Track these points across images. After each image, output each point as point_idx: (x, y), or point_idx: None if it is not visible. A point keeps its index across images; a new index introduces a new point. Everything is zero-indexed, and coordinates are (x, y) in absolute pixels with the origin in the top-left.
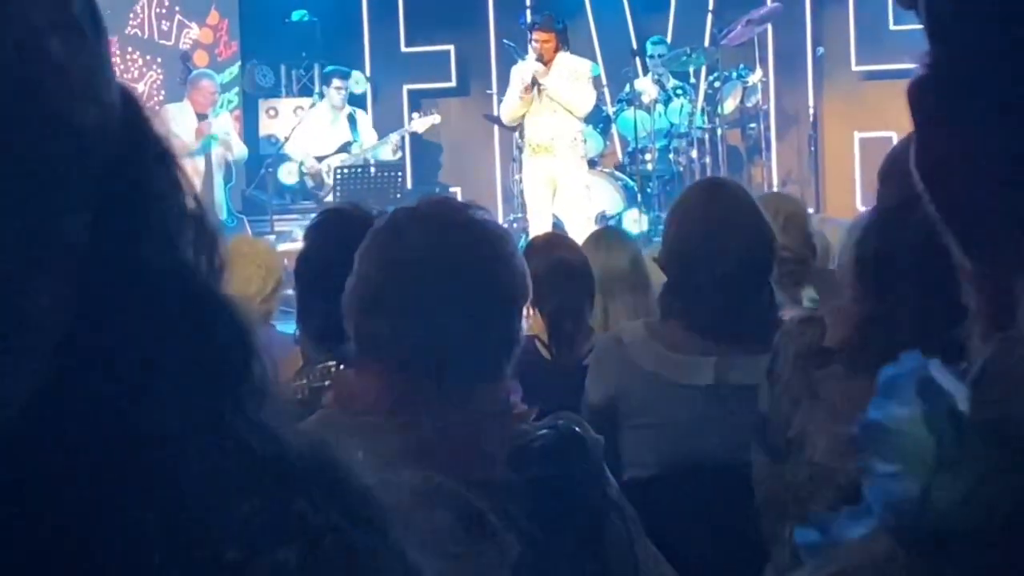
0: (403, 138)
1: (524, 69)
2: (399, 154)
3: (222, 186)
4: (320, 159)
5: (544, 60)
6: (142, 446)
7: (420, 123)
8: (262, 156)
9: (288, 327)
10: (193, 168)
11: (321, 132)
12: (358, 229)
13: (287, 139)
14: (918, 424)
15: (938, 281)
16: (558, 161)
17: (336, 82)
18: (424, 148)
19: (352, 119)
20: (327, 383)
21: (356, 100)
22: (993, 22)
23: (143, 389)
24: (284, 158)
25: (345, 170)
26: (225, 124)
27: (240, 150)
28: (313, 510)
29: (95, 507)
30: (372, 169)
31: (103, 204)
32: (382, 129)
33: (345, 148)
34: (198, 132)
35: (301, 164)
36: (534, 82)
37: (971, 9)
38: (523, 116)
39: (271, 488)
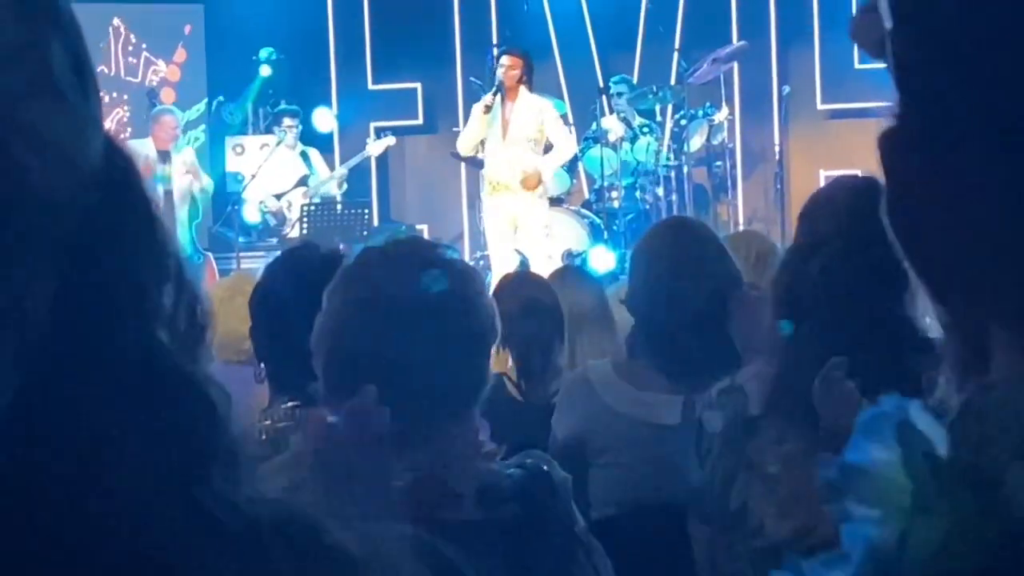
0: (349, 172)
1: (489, 98)
2: (345, 187)
3: (187, 222)
4: (279, 196)
5: (506, 87)
6: (107, 523)
7: (376, 146)
8: (228, 193)
9: None
10: None
11: (278, 170)
12: (315, 268)
13: (254, 176)
14: (896, 468)
15: (841, 325)
16: (518, 199)
17: (287, 120)
18: (391, 185)
19: (305, 156)
20: (291, 423)
21: (323, 138)
22: (960, 74)
23: (108, 463)
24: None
25: (312, 207)
26: (187, 159)
27: (202, 186)
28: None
29: None
30: (339, 206)
31: (72, 272)
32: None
33: (303, 182)
34: (156, 170)
35: (262, 204)
36: (491, 105)
37: (939, 62)
38: (480, 146)
39: (241, 562)
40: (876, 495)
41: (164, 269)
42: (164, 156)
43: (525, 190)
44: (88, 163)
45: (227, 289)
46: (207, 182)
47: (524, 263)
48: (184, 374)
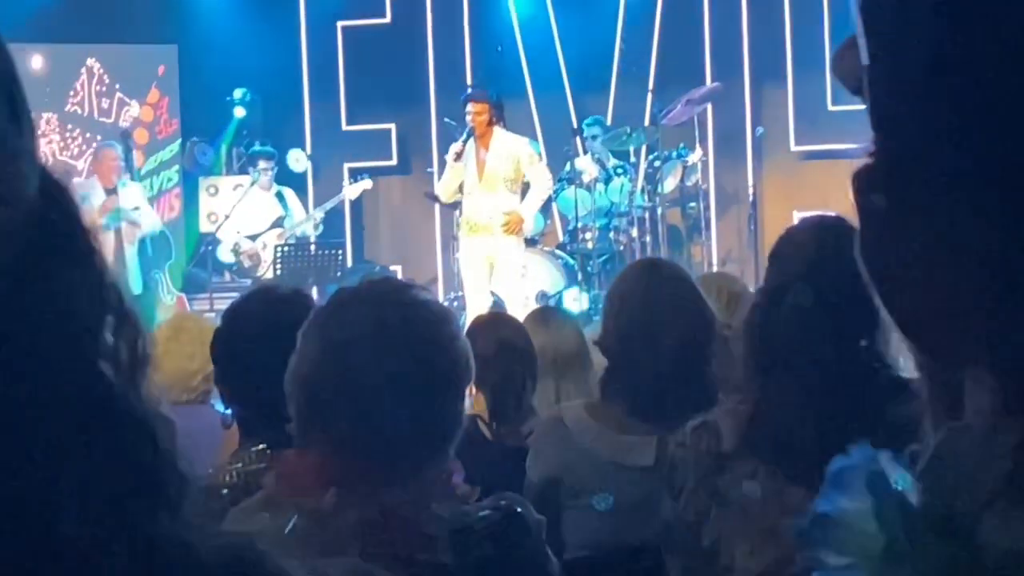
0: (324, 215)
1: (458, 146)
2: (320, 229)
3: (136, 260)
4: (254, 238)
5: (476, 132)
6: (48, 558)
7: (352, 190)
8: (202, 234)
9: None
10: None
11: (253, 211)
12: (278, 310)
13: (227, 217)
14: (868, 517)
15: (813, 365)
16: (495, 240)
17: (261, 163)
18: (365, 226)
19: (280, 196)
20: (263, 465)
21: (298, 178)
22: (935, 115)
23: (49, 496)
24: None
25: (285, 248)
26: (134, 195)
27: (151, 224)
28: None
29: None
30: (312, 247)
31: (9, 304)
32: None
33: (279, 223)
34: (103, 208)
35: (236, 246)
36: (460, 153)
37: (914, 102)
38: (459, 191)
39: None
40: (848, 544)
41: (104, 301)
42: (110, 193)
43: (507, 234)
44: (22, 197)
45: (170, 328)
46: (152, 221)
47: (498, 304)
48: (126, 407)
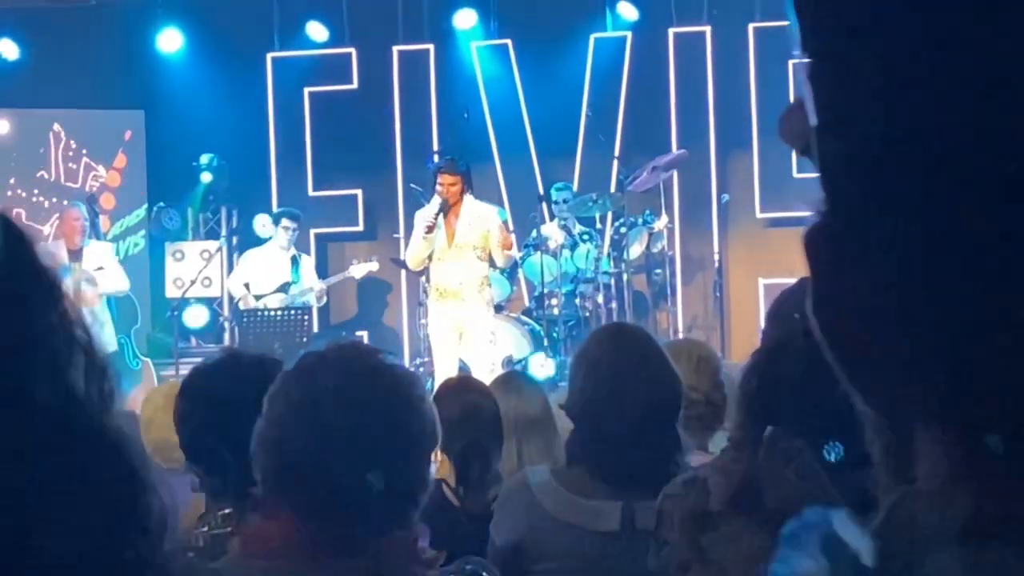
0: (327, 288)
1: (426, 213)
2: (324, 301)
3: (110, 321)
4: (258, 298)
5: (450, 203)
6: None
7: (358, 269)
8: (168, 299)
9: None
10: None
11: (264, 271)
12: (240, 375)
13: (193, 282)
14: None
15: (813, 424)
16: (466, 306)
17: (285, 222)
18: (331, 291)
19: (295, 261)
20: (228, 529)
21: (262, 242)
22: (882, 175)
23: (27, 524)
24: (188, 302)
25: (251, 314)
26: (99, 256)
27: (113, 285)
28: None
29: None
30: (278, 313)
31: None
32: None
33: (284, 288)
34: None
35: (237, 301)
36: (433, 227)
37: (861, 161)
38: (428, 260)
39: None
40: None
41: (72, 340)
42: (75, 255)
43: (505, 249)
44: None
45: (162, 397)
46: (116, 283)
47: (464, 370)
48: (107, 431)
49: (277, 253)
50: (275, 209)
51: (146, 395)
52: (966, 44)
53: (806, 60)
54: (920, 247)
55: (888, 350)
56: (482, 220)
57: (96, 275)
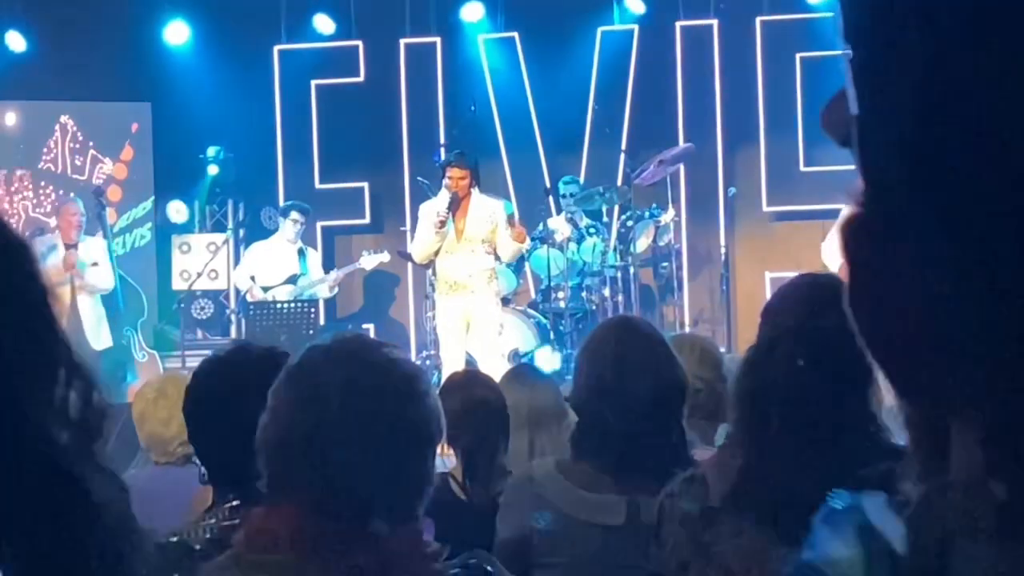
0: (339, 278)
1: (433, 206)
2: (335, 292)
3: (100, 315)
4: (266, 289)
5: (459, 196)
6: None
7: (369, 260)
8: (174, 292)
9: None
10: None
11: (271, 263)
12: (249, 368)
13: (199, 274)
14: (854, 566)
15: (804, 419)
16: (475, 298)
17: (295, 215)
18: (337, 284)
19: (302, 253)
20: (235, 522)
21: (268, 235)
22: (923, 164)
23: None
24: (194, 294)
25: (258, 307)
26: (93, 251)
27: (104, 280)
28: None
29: None
30: (284, 305)
31: None
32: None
33: (292, 280)
34: (66, 264)
35: (244, 294)
36: (444, 222)
37: (902, 150)
38: (436, 253)
39: None
40: None
41: (54, 356)
42: (70, 247)
43: (516, 241)
44: None
45: (154, 391)
46: (104, 279)
47: (471, 363)
48: (59, 465)
49: (283, 246)
50: (282, 202)
51: (137, 390)
52: (1010, 32)
53: (850, 51)
54: (963, 239)
55: (926, 343)
56: (490, 214)
57: (90, 271)
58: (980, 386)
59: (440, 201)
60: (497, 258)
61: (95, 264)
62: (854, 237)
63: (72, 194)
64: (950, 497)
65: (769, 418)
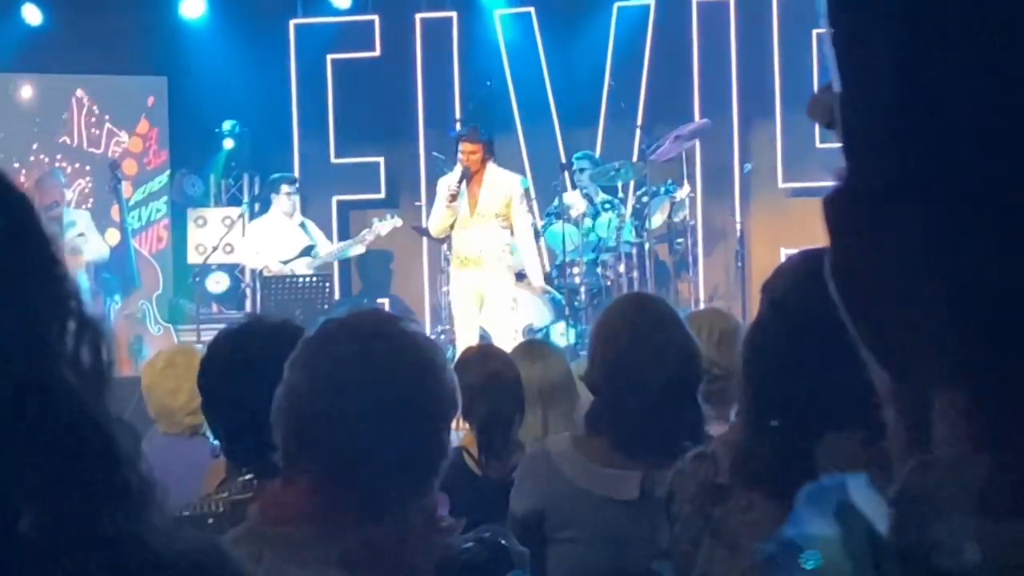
0: (367, 239)
1: (448, 181)
2: (364, 250)
3: (90, 290)
4: (285, 263)
5: (471, 171)
6: (11, 560)
7: (383, 226)
8: (189, 265)
9: None
10: None
11: (278, 238)
12: (263, 341)
13: (215, 248)
14: (835, 546)
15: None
16: (486, 273)
17: (285, 187)
18: (352, 258)
19: (304, 227)
20: (249, 495)
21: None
22: (903, 137)
23: (8, 502)
24: (209, 268)
25: (273, 281)
26: (79, 222)
27: (96, 251)
28: None
29: None
30: (300, 280)
31: None
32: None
33: (307, 252)
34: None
35: (261, 272)
36: (456, 195)
37: (882, 124)
38: (450, 228)
39: None
40: (816, 573)
41: (64, 308)
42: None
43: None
44: None
45: (162, 362)
46: (98, 248)
47: (485, 338)
48: (85, 410)
49: (283, 220)
50: (297, 175)
51: (147, 362)
52: (988, 9)
53: (829, 29)
54: (943, 211)
55: (907, 315)
56: (504, 188)
57: (79, 242)
58: (964, 358)
59: (455, 176)
60: (513, 233)
61: (81, 235)
62: (833, 209)
63: (88, 168)
64: (933, 473)
65: (766, 394)
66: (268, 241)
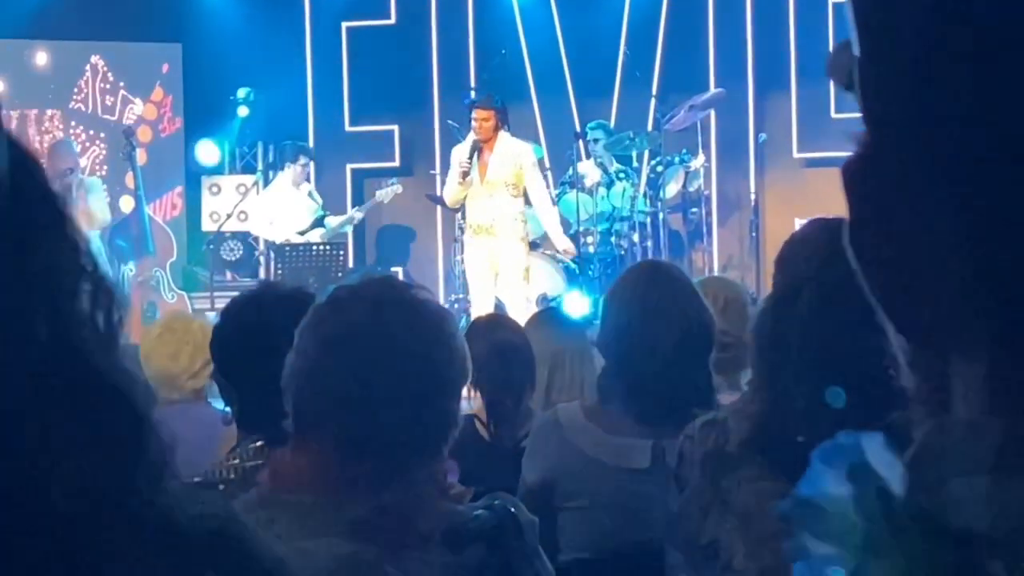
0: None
1: (462, 150)
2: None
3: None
4: (302, 233)
5: (483, 139)
6: (30, 526)
7: (384, 193)
8: (204, 233)
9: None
10: None
11: (290, 209)
12: (276, 308)
13: (229, 216)
14: (849, 505)
15: (824, 367)
16: (499, 242)
17: (302, 159)
18: (366, 227)
19: (311, 195)
20: (260, 462)
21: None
22: (923, 102)
23: (28, 467)
24: (223, 236)
25: (287, 249)
26: (93, 188)
27: (100, 217)
28: None
29: None
30: (314, 248)
31: None
32: (330, 208)
33: (319, 223)
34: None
35: (285, 242)
36: (467, 171)
37: (902, 89)
38: (464, 198)
39: (174, 564)
40: (829, 532)
41: (79, 269)
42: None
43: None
44: None
45: (159, 327)
46: (101, 219)
47: (499, 307)
48: (105, 374)
49: (292, 191)
50: (312, 144)
51: (142, 332)
52: None
53: None
54: (962, 173)
55: (926, 278)
56: (515, 157)
57: (93, 207)
58: (983, 323)
59: (466, 148)
60: (528, 202)
61: (94, 200)
62: (853, 173)
63: (103, 133)
64: (950, 435)
65: (787, 366)
66: (281, 213)
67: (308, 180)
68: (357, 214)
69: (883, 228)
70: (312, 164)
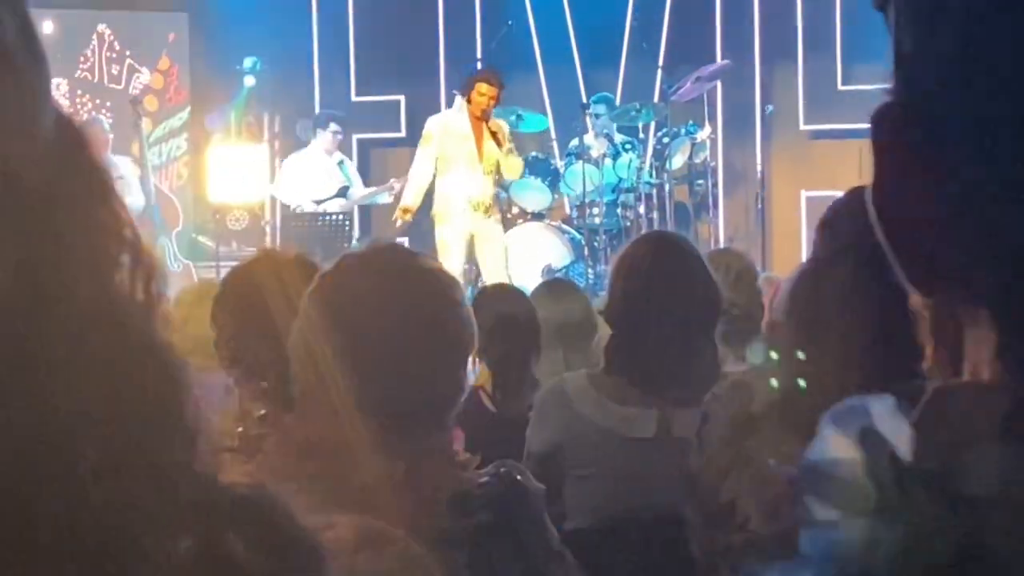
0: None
1: (442, 120)
2: (389, 199)
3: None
4: (319, 203)
5: (483, 116)
6: (63, 484)
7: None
8: (210, 202)
9: None
10: None
11: (315, 176)
12: (280, 275)
13: (235, 185)
14: (854, 468)
15: (862, 334)
16: (490, 222)
17: (334, 126)
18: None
19: (342, 165)
20: (264, 430)
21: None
22: (951, 53)
23: (70, 427)
24: (229, 205)
25: (293, 218)
26: (122, 167)
27: (135, 200)
28: (247, 552)
29: (22, 544)
30: (321, 218)
31: (30, 241)
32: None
33: (342, 193)
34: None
35: (298, 207)
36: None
37: (930, 40)
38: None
39: (203, 529)
40: (838, 496)
41: (120, 239)
42: None
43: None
44: (41, 132)
45: (194, 294)
46: (135, 198)
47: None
48: (148, 335)
49: (322, 158)
50: (317, 111)
51: (178, 295)
52: None
53: None
54: (995, 129)
55: (950, 236)
56: (498, 136)
57: (120, 186)
58: (1000, 284)
59: (453, 114)
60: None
61: (120, 177)
62: (881, 123)
63: (108, 105)
64: (958, 400)
65: (824, 330)
66: (305, 178)
67: (337, 149)
68: (396, 184)
69: (907, 181)
70: (341, 130)
